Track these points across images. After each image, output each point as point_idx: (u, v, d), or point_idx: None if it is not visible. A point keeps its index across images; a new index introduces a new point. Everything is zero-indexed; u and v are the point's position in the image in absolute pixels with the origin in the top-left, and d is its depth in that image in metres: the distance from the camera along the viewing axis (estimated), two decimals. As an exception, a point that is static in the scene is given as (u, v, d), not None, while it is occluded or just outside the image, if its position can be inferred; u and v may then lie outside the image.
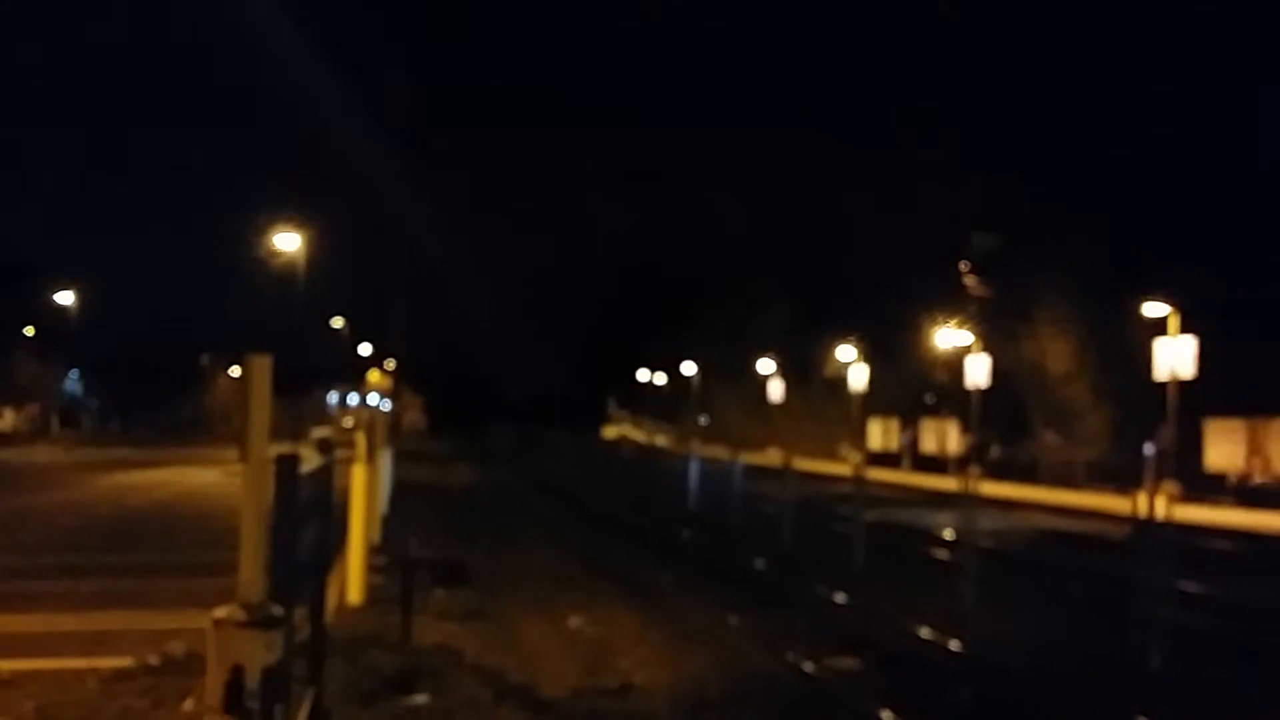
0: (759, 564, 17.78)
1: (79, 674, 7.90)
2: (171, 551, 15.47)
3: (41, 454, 42.84)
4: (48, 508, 21.54)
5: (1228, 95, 60.95)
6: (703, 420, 75.85)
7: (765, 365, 68.23)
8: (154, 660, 8.08)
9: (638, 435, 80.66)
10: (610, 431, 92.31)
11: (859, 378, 57.88)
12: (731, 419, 65.63)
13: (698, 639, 11.28)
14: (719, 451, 33.32)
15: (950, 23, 78.54)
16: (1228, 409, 36.72)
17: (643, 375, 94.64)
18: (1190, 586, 14.30)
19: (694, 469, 29.22)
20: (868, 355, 57.83)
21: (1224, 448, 36.81)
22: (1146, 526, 11.98)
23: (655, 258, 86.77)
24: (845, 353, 59.65)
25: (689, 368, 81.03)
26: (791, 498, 21.11)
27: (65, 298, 63.34)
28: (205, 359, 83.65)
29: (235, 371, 79.78)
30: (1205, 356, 35.47)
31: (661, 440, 69.31)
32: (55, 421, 65.04)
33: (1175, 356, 35.66)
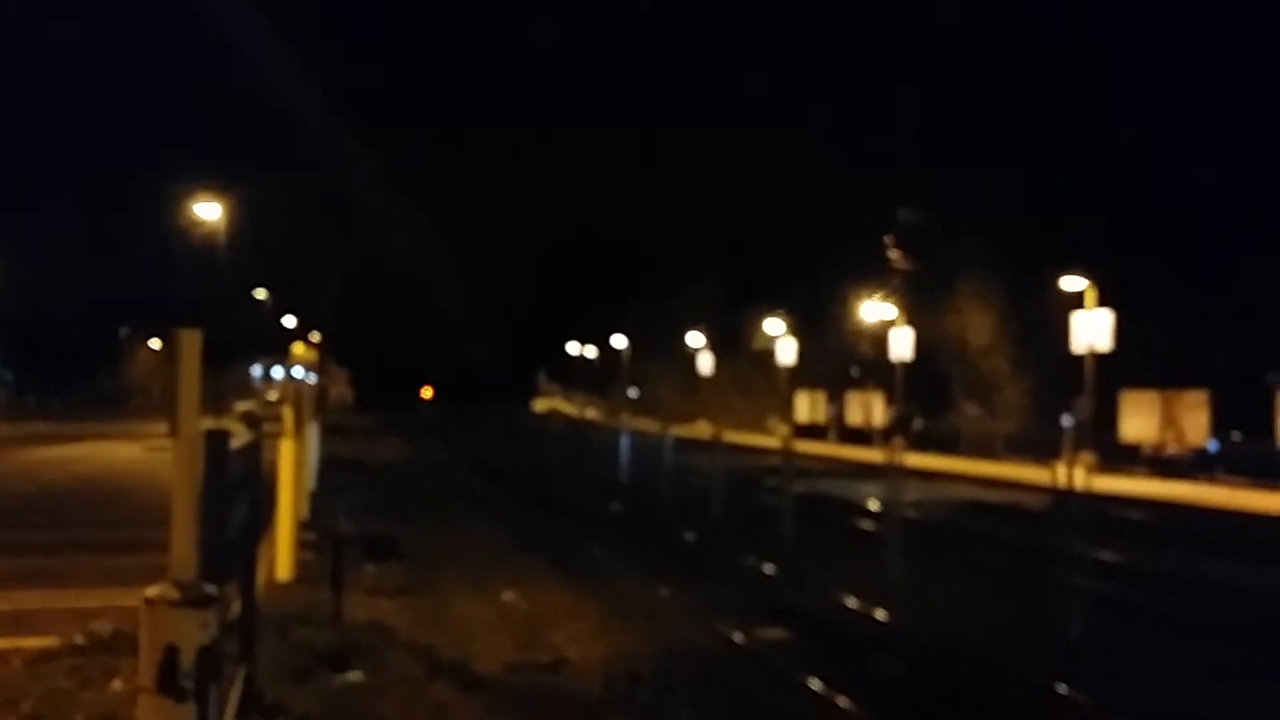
0: (689, 536, 17.93)
1: (2, 654, 7.74)
2: (93, 528, 15.17)
3: (-47, 429, 41.64)
4: (-39, 485, 20.97)
5: (1148, 75, 62.30)
6: (633, 393, 76.06)
7: (695, 339, 68.56)
8: (80, 640, 7.93)
9: (568, 408, 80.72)
10: (541, 405, 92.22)
11: (787, 351, 58.40)
12: (662, 392, 65.89)
13: (630, 612, 11.36)
14: (649, 424, 33.52)
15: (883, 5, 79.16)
16: (1143, 381, 37.72)
17: (573, 348, 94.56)
18: (1107, 555, 14.72)
19: (624, 442, 29.33)
20: (796, 329, 58.36)
21: (1139, 419, 37.80)
22: (1065, 496, 12.32)
23: (586, 231, 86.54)
24: (773, 326, 60.13)
25: (619, 341, 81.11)
26: (721, 470, 21.30)
27: (-23, 268, 61.40)
28: (124, 331, 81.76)
29: (155, 344, 78.17)
30: (1122, 330, 36.38)
31: (592, 413, 69.48)
32: (-32, 396, 63.20)
33: (1092, 330, 36.51)
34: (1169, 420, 36.92)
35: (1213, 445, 37.12)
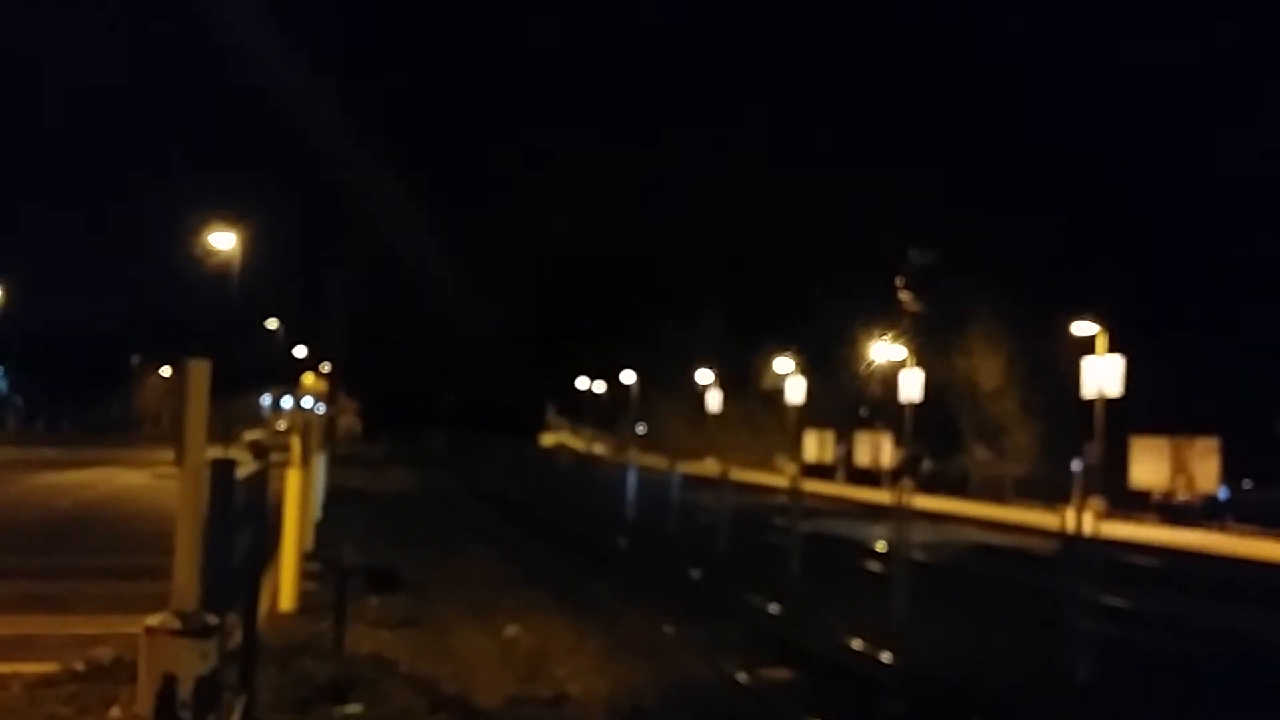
0: (695, 574, 17.85)
1: (2, 679, 7.72)
2: (98, 555, 15.18)
3: (-38, 453, 41.73)
4: (-32, 508, 20.99)
5: (1163, 117, 62.49)
6: (641, 429, 75.98)
7: (704, 376, 68.55)
8: (80, 666, 7.92)
9: (576, 443, 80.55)
10: (548, 439, 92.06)
11: (796, 390, 58.35)
12: (670, 428, 65.84)
13: (633, 648, 11.29)
14: (657, 461, 33.41)
15: (896, 42, 79.68)
16: (1153, 427, 37.58)
17: (582, 383, 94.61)
18: (1115, 601, 14.60)
19: (631, 478, 29.25)
20: (805, 368, 58.34)
21: (1149, 465, 37.65)
22: (1073, 541, 12.23)
23: (596, 266, 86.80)
24: (783, 365, 60.12)
25: (628, 376, 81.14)
26: (728, 508, 21.22)
27: (-10, 293, 61.77)
28: (135, 359, 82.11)
29: (166, 372, 78.44)
30: (1132, 375, 36.30)
31: (600, 449, 69.34)
32: (-22, 420, 63.44)
33: (1103, 375, 36.43)
34: (1179, 467, 36.75)
35: (1223, 493, 36.89)
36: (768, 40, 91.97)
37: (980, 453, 47.53)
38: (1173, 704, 10.55)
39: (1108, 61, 67.03)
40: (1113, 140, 61.34)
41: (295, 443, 13.44)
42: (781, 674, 10.81)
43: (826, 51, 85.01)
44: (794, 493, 19.67)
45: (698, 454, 50.82)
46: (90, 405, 77.57)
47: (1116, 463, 37.32)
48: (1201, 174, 58.19)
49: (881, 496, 31.72)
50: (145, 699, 3.92)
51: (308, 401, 61.07)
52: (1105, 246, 50.51)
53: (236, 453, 5.90)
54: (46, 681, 7.62)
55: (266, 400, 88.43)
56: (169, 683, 3.92)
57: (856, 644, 12.11)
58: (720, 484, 22.18)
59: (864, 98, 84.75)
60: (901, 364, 47.79)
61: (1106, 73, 66.93)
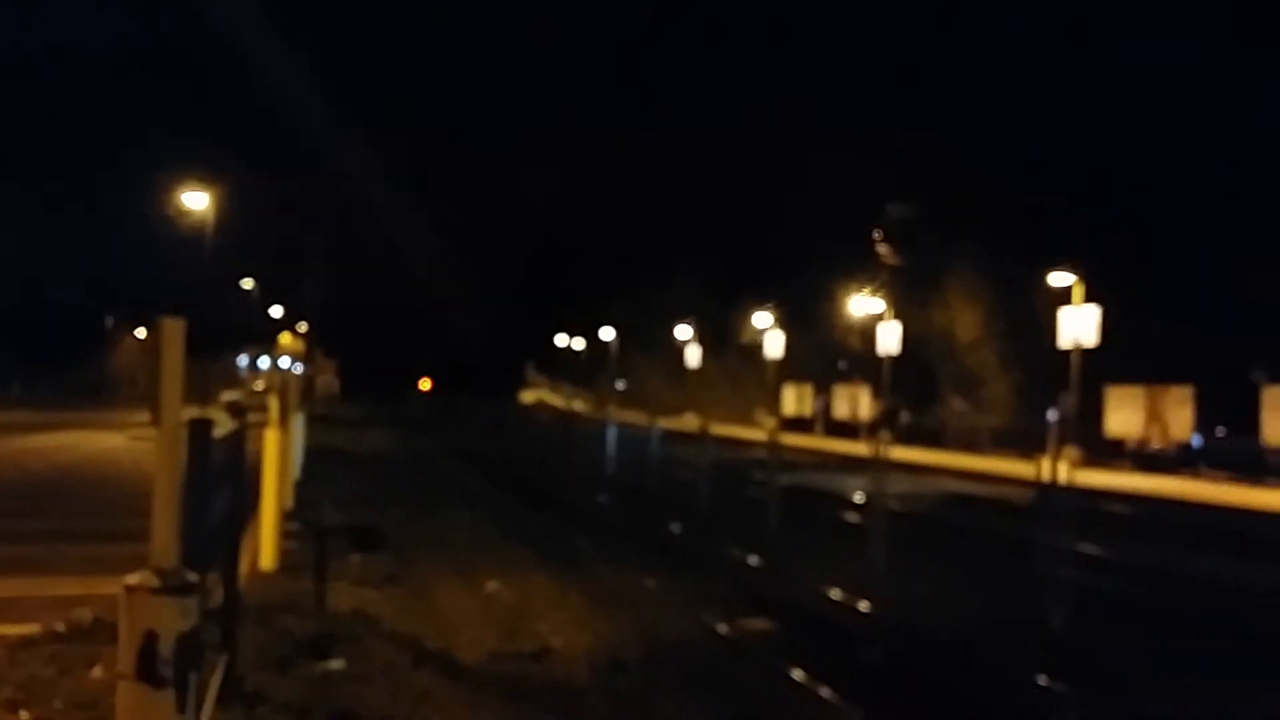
0: (675, 528, 17.96)
1: (-19, 642, 7.71)
2: (76, 517, 15.14)
3: (-63, 417, 41.42)
4: (-56, 473, 20.88)
5: (1139, 73, 62.49)
6: (620, 385, 76.08)
7: (683, 331, 68.60)
8: (60, 627, 7.92)
9: (555, 400, 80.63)
10: (528, 396, 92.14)
11: (775, 344, 58.49)
12: (649, 384, 65.97)
13: (614, 602, 11.38)
14: (636, 417, 33.49)
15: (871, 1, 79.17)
16: (1128, 377, 37.90)
17: (561, 340, 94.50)
18: (1090, 549, 14.80)
19: (611, 434, 29.32)
20: (783, 322, 58.45)
21: (1124, 414, 38.04)
22: (1049, 490, 12.37)
23: (575, 223, 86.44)
24: (761, 320, 60.21)
25: (607, 333, 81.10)
26: (708, 462, 21.31)
27: (-39, 256, 61.05)
28: (110, 320, 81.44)
29: (141, 333, 77.80)
30: (1108, 325, 36.54)
31: (579, 405, 69.36)
32: (-48, 384, 62.91)
33: (1079, 325, 36.66)
34: (1154, 415, 37.14)
35: (1197, 440, 37.34)
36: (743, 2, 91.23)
37: (957, 404, 47.86)
38: (1146, 651, 10.72)
39: (1080, 20, 66.81)
40: (1088, 92, 61.32)
41: (273, 403, 13.40)
42: (761, 625, 10.93)
43: (803, 7, 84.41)
44: (773, 446, 19.77)
45: (677, 410, 50.98)
46: (66, 368, 76.97)
47: (1092, 412, 37.68)
48: (1177, 126, 58.29)
49: (859, 449, 31.89)
50: (126, 657, 3.92)
51: (285, 361, 60.83)
52: (1082, 197, 50.64)
53: (214, 413, 5.88)
54: (27, 643, 7.61)
55: (244, 361, 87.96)
56: (150, 640, 3.92)
57: (835, 594, 12.24)
58: (700, 439, 22.27)
59: (841, 54, 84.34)
60: (879, 317, 47.94)
61: (1093, 22, 66.74)
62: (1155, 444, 36.97)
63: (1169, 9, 65.48)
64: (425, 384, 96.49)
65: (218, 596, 6.38)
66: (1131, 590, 13.85)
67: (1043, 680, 9.02)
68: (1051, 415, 35.75)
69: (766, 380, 59.04)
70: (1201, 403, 36.49)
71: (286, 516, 12.97)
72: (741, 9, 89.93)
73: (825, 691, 8.62)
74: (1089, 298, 36.72)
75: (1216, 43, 62.79)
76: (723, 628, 10.59)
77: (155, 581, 4.00)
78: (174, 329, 4.33)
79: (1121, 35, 66.27)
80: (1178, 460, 35.70)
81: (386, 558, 12.78)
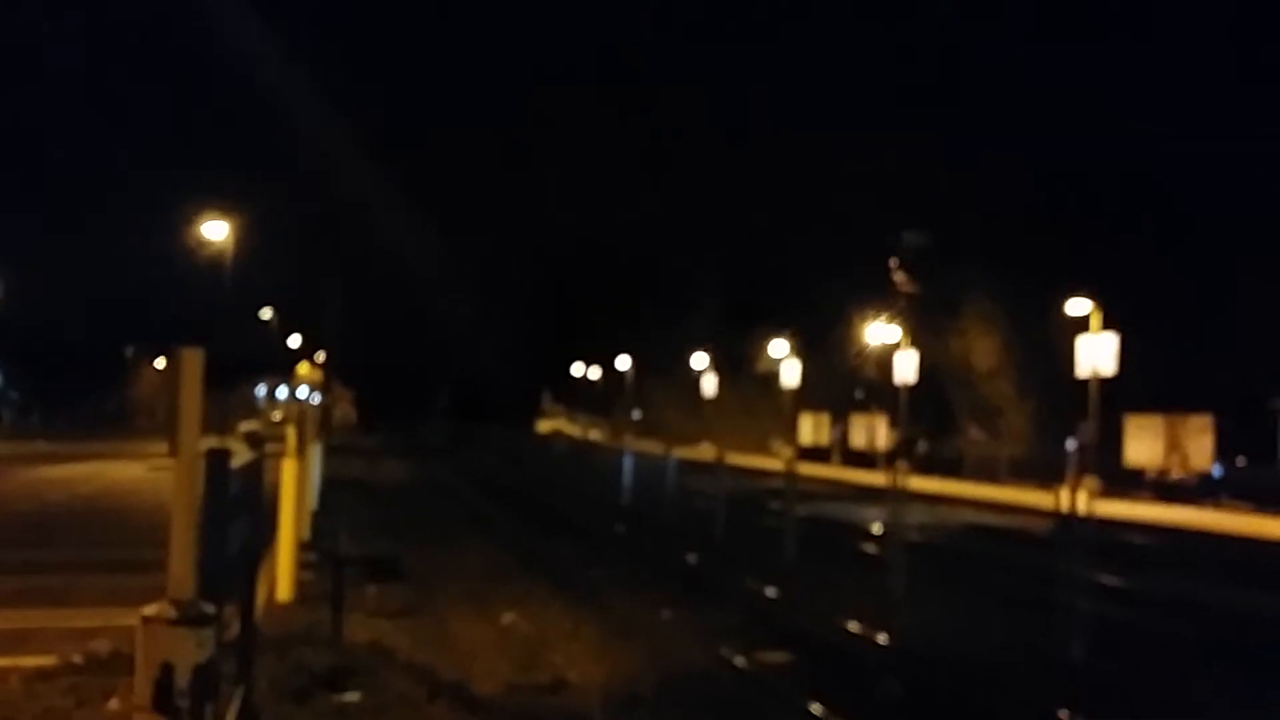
0: (691, 558, 17.89)
1: (0, 673, 7.73)
2: (94, 548, 15.17)
3: (-42, 448, 41.67)
4: (-36, 503, 20.98)
5: (1160, 99, 62.46)
6: (637, 415, 76.01)
7: (699, 360, 68.58)
8: (77, 659, 7.93)
9: (572, 429, 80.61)
10: (544, 425, 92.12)
11: (791, 373, 58.38)
12: (665, 414, 65.85)
13: (631, 634, 11.33)
14: (653, 446, 33.46)
15: (888, 25, 79.57)
16: (1147, 406, 37.65)
17: (577, 369, 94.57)
18: (1110, 580, 14.67)
19: (628, 464, 29.29)
20: (800, 351, 58.37)
21: (1143, 444, 37.75)
22: (1068, 521, 12.28)
23: (591, 252, 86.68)
24: (778, 348, 60.14)
25: (624, 362, 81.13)
26: (724, 492, 21.26)
27: (-17, 288, 61.57)
28: (130, 351, 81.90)
29: (160, 364, 78.22)
30: (1126, 354, 36.34)
31: (595, 435, 69.44)
32: (-27, 414, 63.30)
33: (1097, 353, 36.46)
34: (1173, 445, 36.85)
35: (1217, 470, 37.03)
36: (759, 21, 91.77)
37: (975, 433, 47.62)
38: (1167, 682, 10.60)
39: (1102, 40, 66.94)
40: (1108, 119, 61.29)
41: (290, 432, 13.44)
42: (779, 657, 10.85)
43: (819, 32, 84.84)
44: (789, 476, 19.71)
45: (693, 439, 50.88)
46: (85, 399, 77.36)
47: (1111, 442, 37.40)
48: (1199, 150, 58.15)
49: (877, 478, 31.77)
50: (143, 688, 3.93)
51: (303, 391, 61.01)
52: (1099, 225, 50.53)
53: (232, 443, 5.91)
54: (44, 674, 7.63)
55: (261, 391, 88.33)
56: (166, 672, 3.92)
57: (853, 626, 12.16)
58: (716, 468, 22.22)
59: (856, 78, 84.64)
60: (896, 345, 47.83)
61: (1102, 51, 66.86)
62: (1175, 474, 36.67)
63: (1181, 20, 65.44)
64: (441, 403, 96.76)
65: (234, 628, 6.38)
66: (1153, 622, 13.70)
67: (1064, 714, 8.92)
68: (1070, 445, 35.52)
69: (783, 409, 58.90)
70: (1221, 432, 36.21)
71: (303, 547, 12.98)
72: (752, 38, 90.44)
73: (843, 724, 8.54)
74: (1107, 326, 36.57)
75: (1241, 67, 62.76)
76: (740, 660, 10.52)
77: (172, 613, 4.01)
78: (192, 359, 4.36)
79: (1140, 53, 66.36)
80: (1198, 490, 35.38)
81: (403, 589, 12.76)
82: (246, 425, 46.89)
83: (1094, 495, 14.24)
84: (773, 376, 60.56)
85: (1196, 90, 62.65)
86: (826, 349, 55.31)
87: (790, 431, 56.39)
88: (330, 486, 24.24)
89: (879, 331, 50.06)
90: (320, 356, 64.57)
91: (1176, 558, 21.75)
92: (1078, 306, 37.38)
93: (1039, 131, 61.05)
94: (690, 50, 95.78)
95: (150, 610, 3.99)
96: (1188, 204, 51.62)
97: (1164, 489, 35.87)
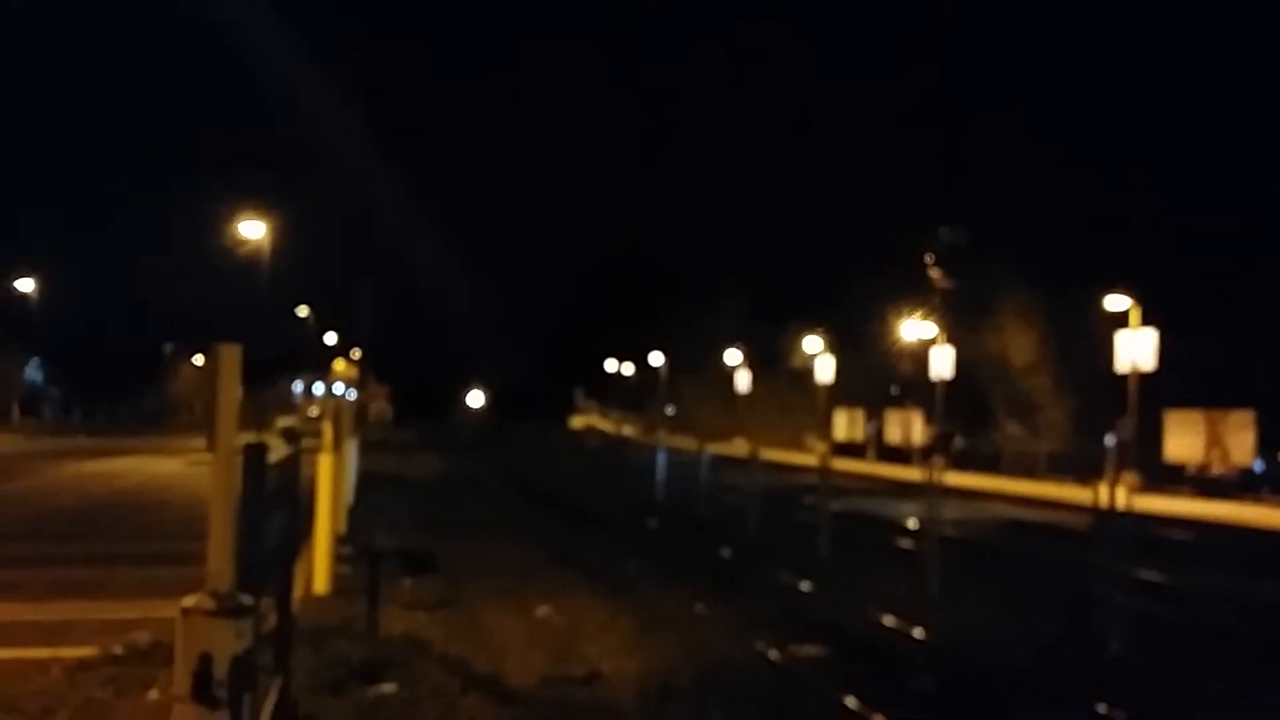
0: (725, 553, 17.87)
1: (41, 664, 7.85)
2: (133, 541, 15.36)
3: (2, 443, 42.30)
4: (8, 496, 21.32)
5: (1195, 92, 61.69)
6: (670, 411, 75.97)
7: (732, 356, 68.44)
8: (118, 650, 8.03)
9: (605, 425, 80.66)
10: (577, 421, 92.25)
11: (825, 369, 58.17)
12: (699, 409, 65.78)
13: (664, 627, 11.34)
14: (686, 442, 33.43)
15: (920, 20, 78.99)
16: (1187, 401, 37.20)
17: (610, 365, 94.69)
18: (1150, 575, 14.52)
19: (661, 459, 29.28)
20: (834, 347, 58.13)
21: (1183, 439, 37.29)
22: (1107, 516, 12.15)
23: (624, 249, 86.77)
24: (812, 344, 59.93)
25: (657, 358, 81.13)
26: (758, 488, 21.21)
27: (26, 285, 62.57)
28: (168, 347, 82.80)
29: (199, 360, 79.00)
30: (1165, 349, 35.93)
31: (629, 430, 69.42)
32: (16, 410, 64.23)
33: (1136, 349, 36.10)
34: (1214, 440, 36.39)
35: (1259, 465, 36.54)
36: (789, 19, 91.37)
37: (1012, 429, 47.24)
38: (1208, 677, 10.47)
39: (1138, 36, 66.16)
40: (1143, 113, 60.60)
41: (327, 428, 13.54)
42: (813, 651, 10.82)
43: (852, 27, 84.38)
44: (824, 471, 19.63)
45: (727, 434, 50.81)
46: (125, 395, 78.28)
47: (1150, 437, 36.99)
48: (1237, 143, 57.39)
49: (912, 474, 31.61)
50: (182, 679, 3.97)
51: (339, 388, 61.33)
52: (1138, 219, 49.95)
53: (269, 439, 5.97)
54: (85, 665, 7.73)
55: (298, 387, 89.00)
56: (205, 662, 3.96)
57: (888, 621, 12.10)
58: (750, 464, 22.18)
59: (891, 72, 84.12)
60: (932, 341, 47.52)
61: (1138, 45, 66.09)
62: (1216, 469, 36.21)
63: (1225, 17, 64.55)
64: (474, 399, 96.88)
65: (272, 620, 6.43)
66: (1193, 616, 13.54)
67: (1102, 708, 8.84)
68: (1109, 440, 35.16)
69: (817, 405, 58.69)
70: (1263, 427, 35.70)
71: (340, 541, 13.08)
72: (778, 34, 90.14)
73: (878, 718, 8.51)
74: (1146, 321, 36.17)
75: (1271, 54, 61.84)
76: (774, 653, 10.50)
77: (211, 604, 4.05)
78: (230, 355, 4.40)
79: (1177, 48, 65.54)
80: (1239, 485, 34.93)
81: (437, 582, 12.83)
82: (284, 421, 47.28)
83: (1133, 490, 14.10)
84: (807, 372, 60.35)
85: (1237, 86, 61.75)
86: (861, 344, 55.06)
87: (824, 427, 56.18)
88: (366, 481, 24.41)
89: (914, 327, 49.78)
90: (356, 353, 65.01)
91: (1217, 552, 21.48)
92: (1117, 302, 37.01)
93: (1078, 123, 60.45)
94: (721, 46, 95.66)
95: (189, 602, 4.03)
96: (1228, 199, 50.95)
97: (1204, 484, 35.43)
